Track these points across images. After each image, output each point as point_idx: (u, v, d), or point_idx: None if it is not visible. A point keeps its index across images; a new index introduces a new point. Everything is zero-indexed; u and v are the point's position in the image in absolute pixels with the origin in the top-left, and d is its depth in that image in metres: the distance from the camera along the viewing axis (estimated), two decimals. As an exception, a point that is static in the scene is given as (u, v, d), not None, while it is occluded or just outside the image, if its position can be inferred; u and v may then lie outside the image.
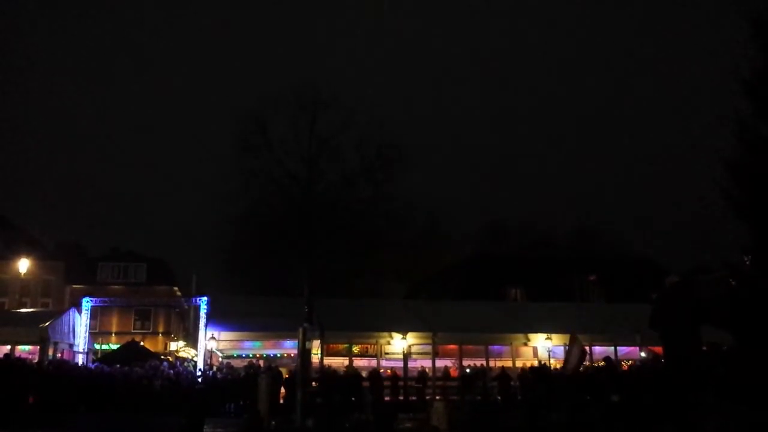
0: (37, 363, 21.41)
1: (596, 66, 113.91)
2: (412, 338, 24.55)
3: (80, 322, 25.89)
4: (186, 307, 39.68)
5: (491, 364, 25.18)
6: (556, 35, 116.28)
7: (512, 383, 22.87)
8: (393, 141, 32.20)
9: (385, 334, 24.61)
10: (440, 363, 24.69)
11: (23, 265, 36.34)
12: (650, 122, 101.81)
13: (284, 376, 21.70)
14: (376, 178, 31.51)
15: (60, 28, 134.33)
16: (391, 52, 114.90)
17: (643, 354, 25.53)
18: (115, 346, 34.17)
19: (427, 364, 24.48)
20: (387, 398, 22.26)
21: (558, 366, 24.47)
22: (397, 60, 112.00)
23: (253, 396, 18.96)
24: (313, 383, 21.07)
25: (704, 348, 10.69)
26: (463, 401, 20.69)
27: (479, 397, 22.00)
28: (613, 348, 25.91)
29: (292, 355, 23.69)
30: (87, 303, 26.18)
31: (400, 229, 34.36)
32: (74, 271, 48.61)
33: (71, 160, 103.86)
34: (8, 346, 22.29)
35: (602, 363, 22.30)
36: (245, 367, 22.85)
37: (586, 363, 24.60)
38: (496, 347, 25.75)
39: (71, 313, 26.36)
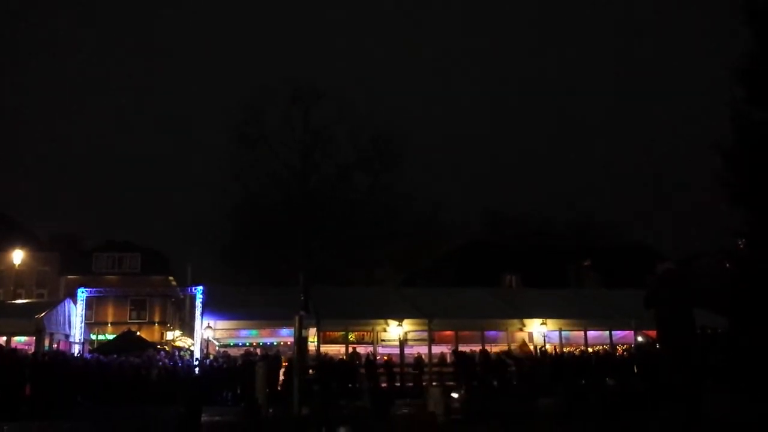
0: (33, 354, 21.37)
1: (593, 57, 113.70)
2: (408, 325, 24.63)
3: (76, 313, 25.85)
4: (182, 296, 39.62)
5: (487, 349, 25.27)
6: (554, 27, 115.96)
7: (509, 369, 23.01)
8: (389, 130, 32.07)
9: (381, 321, 24.71)
10: (436, 349, 24.78)
11: (18, 256, 36.24)
12: (645, 110, 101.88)
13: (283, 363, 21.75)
14: (372, 168, 31.39)
15: (57, 20, 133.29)
16: (391, 45, 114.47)
17: (639, 338, 25.69)
18: (111, 336, 34.13)
19: (423, 350, 24.57)
20: (384, 385, 22.35)
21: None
22: (395, 51, 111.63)
23: (251, 384, 19.00)
24: (310, 371, 21.10)
25: (699, 332, 10.72)
26: (460, 386, 20.76)
27: (475, 383, 22.10)
28: (608, 333, 26.07)
29: (289, 343, 23.70)
30: (82, 293, 26.14)
31: (396, 219, 34.29)
32: (69, 261, 48.45)
33: (66, 152, 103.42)
34: (4, 338, 22.25)
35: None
36: (242, 355, 22.89)
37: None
38: (491, 333, 25.83)
39: (67, 303, 26.31)
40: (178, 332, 46.25)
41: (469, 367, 22.80)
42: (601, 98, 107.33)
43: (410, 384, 22.94)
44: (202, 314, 24.30)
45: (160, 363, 22.08)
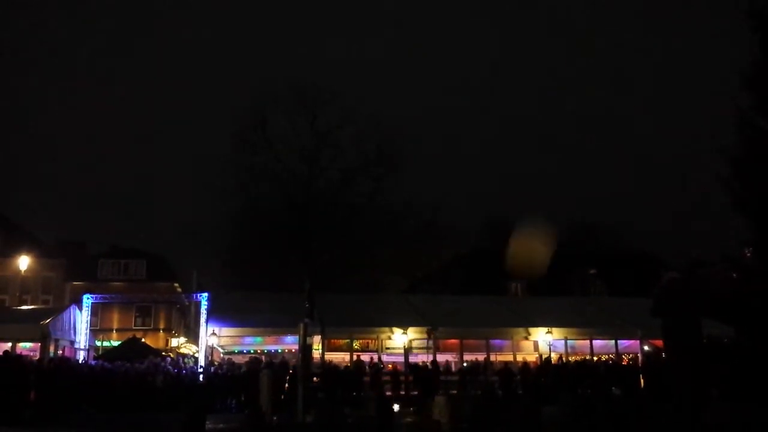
0: (38, 360, 21.39)
1: (597, 62, 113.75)
2: (412, 333, 24.59)
3: (81, 319, 25.88)
4: (187, 303, 39.66)
5: (492, 358, 25.22)
6: (556, 31, 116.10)
7: (516, 378, 22.92)
8: (392, 135, 32.17)
9: (386, 329, 24.68)
10: (441, 358, 24.73)
11: (23, 262, 36.32)
12: (650, 116, 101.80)
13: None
14: (376, 173, 31.45)
15: (59, 24, 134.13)
16: (392, 48, 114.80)
17: (646, 348, 25.57)
18: (116, 343, 34.15)
19: (428, 359, 24.52)
20: (388, 393, 22.30)
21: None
22: (398, 55, 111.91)
23: (255, 391, 18.97)
24: (315, 378, 21.08)
25: (705, 341, 10.66)
26: (464, 395, 20.70)
27: (480, 392, 22.03)
28: (613, 342, 25.96)
29: (293, 350, 23.70)
30: (88, 299, 26.14)
31: (400, 225, 34.33)
32: (74, 268, 48.52)
33: (71, 158, 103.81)
34: (9, 343, 22.26)
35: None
36: (246, 362, 22.88)
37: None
38: (496, 341, 25.78)
39: (72, 309, 26.34)
40: (183, 339, 46.31)
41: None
42: (605, 102, 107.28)
43: (415, 392, 22.88)
44: (207, 321, 24.30)
45: (165, 370, 22.07)
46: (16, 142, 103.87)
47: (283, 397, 20.12)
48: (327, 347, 24.13)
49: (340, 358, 24.33)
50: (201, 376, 22.28)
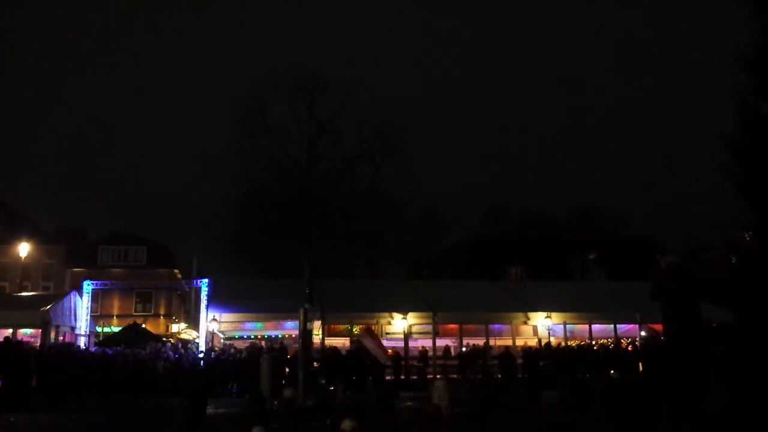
0: (39, 346, 21.45)
1: (595, 44, 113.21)
2: (412, 318, 24.64)
3: (81, 305, 25.94)
4: (187, 289, 39.77)
5: (491, 343, 25.32)
6: (556, 15, 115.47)
7: (518, 361, 22.99)
8: (392, 122, 32.16)
9: (386, 314, 24.74)
10: (441, 342, 24.81)
11: (24, 249, 36.38)
12: (650, 100, 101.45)
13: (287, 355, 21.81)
14: (376, 160, 31.42)
15: (62, 13, 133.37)
16: (391, 34, 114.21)
17: (643, 333, 25.65)
18: (116, 329, 34.23)
19: (427, 343, 24.59)
20: (388, 377, 22.39)
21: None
22: (396, 41, 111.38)
23: (255, 377, 19.05)
24: (315, 364, 21.16)
25: (703, 324, 10.69)
26: (464, 379, 20.78)
27: (480, 376, 22.12)
28: (612, 326, 26.04)
29: (294, 336, 23.78)
30: (88, 286, 26.20)
31: (400, 211, 34.39)
32: (75, 254, 48.58)
33: (72, 145, 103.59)
34: (10, 330, 22.30)
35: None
36: (247, 348, 22.96)
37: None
38: (496, 326, 25.85)
39: (72, 296, 26.39)
40: (183, 325, 46.40)
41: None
42: (605, 87, 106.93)
43: (414, 377, 22.99)
44: (207, 307, 24.35)
45: (166, 355, 22.14)
46: (18, 129, 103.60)
47: (283, 382, 20.20)
48: (327, 332, 24.20)
49: (340, 343, 24.40)
50: (202, 361, 22.36)
